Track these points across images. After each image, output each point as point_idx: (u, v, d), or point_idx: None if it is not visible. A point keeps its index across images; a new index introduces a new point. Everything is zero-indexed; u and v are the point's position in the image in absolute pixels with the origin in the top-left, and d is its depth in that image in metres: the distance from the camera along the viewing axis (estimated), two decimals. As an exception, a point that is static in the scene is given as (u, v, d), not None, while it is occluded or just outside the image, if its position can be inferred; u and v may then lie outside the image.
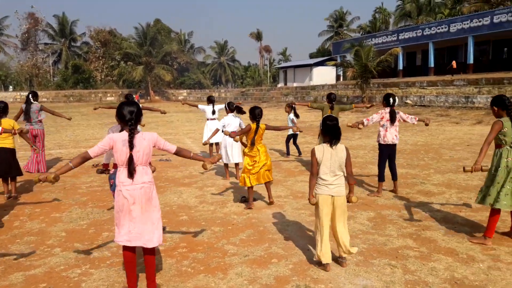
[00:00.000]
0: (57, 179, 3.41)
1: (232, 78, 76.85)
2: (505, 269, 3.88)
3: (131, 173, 3.38)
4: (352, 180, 4.19)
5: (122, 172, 3.43)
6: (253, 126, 5.89)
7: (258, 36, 70.99)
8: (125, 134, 3.42)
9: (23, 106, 8.59)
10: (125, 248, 3.48)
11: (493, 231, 4.50)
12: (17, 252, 4.55)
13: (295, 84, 46.31)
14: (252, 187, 5.99)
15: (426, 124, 6.67)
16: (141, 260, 3.82)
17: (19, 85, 57.84)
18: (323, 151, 3.92)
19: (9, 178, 6.81)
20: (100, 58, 59.82)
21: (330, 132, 3.92)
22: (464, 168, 4.56)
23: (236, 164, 8.05)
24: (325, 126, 3.96)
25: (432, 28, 31.04)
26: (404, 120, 6.56)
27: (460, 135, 13.44)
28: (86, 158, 3.43)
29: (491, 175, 4.56)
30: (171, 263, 4.18)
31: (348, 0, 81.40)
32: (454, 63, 27.64)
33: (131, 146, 3.37)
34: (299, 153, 10.59)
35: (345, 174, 4.01)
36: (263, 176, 5.98)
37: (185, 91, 60.92)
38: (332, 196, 3.92)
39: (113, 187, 5.34)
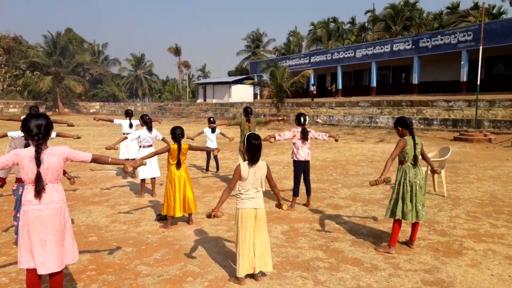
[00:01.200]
0: None
1: (149, 92, 74.75)
2: (404, 275, 4.26)
3: (39, 192, 3.13)
4: (277, 190, 4.32)
5: (29, 191, 3.16)
6: (174, 146, 5.77)
7: (177, 51, 70.33)
8: (32, 150, 3.16)
9: None
10: (29, 271, 3.19)
11: (396, 240, 4.94)
12: None
13: (214, 101, 46.56)
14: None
15: (336, 140, 7.16)
16: (45, 285, 3.52)
17: None
18: (248, 169, 4.00)
19: None
20: (2, 66, 54.41)
21: (254, 150, 4.01)
22: (370, 182, 4.79)
23: (154, 179, 7.84)
24: (250, 144, 4.02)
25: (340, 53, 33.52)
26: (316, 138, 6.96)
27: (364, 152, 14.57)
28: None
29: (395, 189, 5.00)
30: (78, 287, 3.91)
31: (264, 22, 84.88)
32: (334, 87, 30.51)
33: (38, 163, 3.12)
34: (217, 168, 10.62)
35: (263, 189, 4.14)
36: (189, 205, 5.83)
37: (97, 103, 57.88)
38: (255, 209, 4.01)
39: (16, 205, 4.87)
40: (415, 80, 27.76)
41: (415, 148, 4.88)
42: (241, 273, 3.96)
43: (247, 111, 8.35)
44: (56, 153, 3.25)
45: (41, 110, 49.25)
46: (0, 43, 54.72)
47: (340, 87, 33.59)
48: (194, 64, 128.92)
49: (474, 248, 4.98)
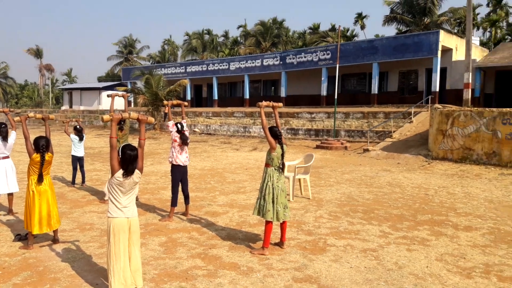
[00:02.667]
0: None
1: (4, 97, 65.62)
2: (277, 275, 4.56)
3: None
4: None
5: None
6: (36, 157, 5.24)
7: (37, 53, 63.41)
8: None
9: None
10: None
11: (268, 241, 5.26)
12: None
13: (82, 107, 43.18)
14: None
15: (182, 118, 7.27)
16: None
17: None
18: (123, 181, 3.82)
19: None
20: None
21: (129, 161, 3.82)
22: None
23: (11, 195, 6.95)
24: (124, 155, 3.82)
25: (216, 65, 34.31)
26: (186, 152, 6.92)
27: (240, 160, 15.16)
28: None
29: (261, 189, 5.34)
30: None
31: (137, 28, 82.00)
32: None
33: None
34: (83, 181, 9.87)
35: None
36: (54, 220, 5.34)
37: None
38: (128, 218, 3.85)
39: None
40: (283, 93, 29.90)
41: (282, 156, 5.31)
42: None
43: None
44: None
45: None
46: None
47: (215, 97, 34.30)
48: (59, 68, 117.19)
49: (335, 245, 5.60)
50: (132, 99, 39.79)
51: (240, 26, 53.52)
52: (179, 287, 4.18)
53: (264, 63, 30.79)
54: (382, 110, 21.11)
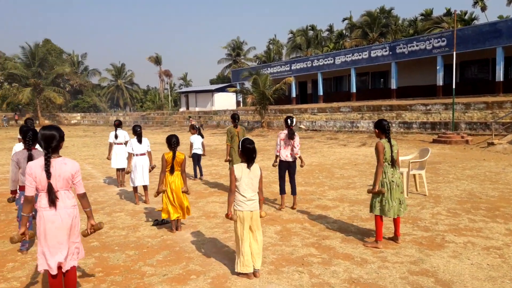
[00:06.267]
0: (21, 238, 3.52)
1: (131, 102, 74.31)
2: (392, 267, 4.59)
3: (52, 200, 3.35)
4: (262, 196, 4.57)
5: (42, 198, 3.37)
6: (169, 155, 5.99)
7: (157, 60, 70.25)
8: (42, 160, 3.38)
9: None
10: (51, 274, 3.40)
11: (381, 235, 5.29)
12: None
13: (197, 109, 46.70)
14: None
15: (301, 166, 7.46)
16: None
17: None
18: (242, 170, 4.30)
19: None
20: (-21, 78, 53.42)
21: (248, 154, 4.31)
22: (367, 190, 5.35)
23: (146, 187, 8.03)
24: (244, 148, 4.33)
25: (320, 60, 34.22)
26: (294, 146, 7.22)
27: (348, 155, 15.03)
28: (31, 200, 3.41)
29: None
30: (87, 287, 4.11)
31: (244, 30, 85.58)
32: (191, 120, 32.23)
33: (48, 174, 3.33)
34: (201, 174, 10.86)
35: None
36: (185, 210, 6.06)
37: (78, 114, 57.32)
38: (251, 211, 4.31)
39: (19, 213, 5.04)
40: (393, 85, 28.57)
41: (391, 150, 5.27)
42: (242, 269, 4.24)
43: (234, 117, 8.69)
44: (68, 163, 3.46)
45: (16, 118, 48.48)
46: (-24, 55, 53.78)
47: (321, 93, 34.22)
48: (176, 73, 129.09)
49: (454, 241, 5.37)
50: (241, 99, 41.85)
51: (345, 19, 52.42)
52: (296, 271, 4.48)
53: (372, 55, 29.79)
54: (509, 99, 18.93)
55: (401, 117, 22.14)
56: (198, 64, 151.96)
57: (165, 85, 73.96)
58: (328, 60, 33.38)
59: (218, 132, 29.69)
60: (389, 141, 5.29)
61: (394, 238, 5.49)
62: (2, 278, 4.35)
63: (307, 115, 28.20)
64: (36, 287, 4.17)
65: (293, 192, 7.36)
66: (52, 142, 3.38)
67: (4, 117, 48.48)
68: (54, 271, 3.38)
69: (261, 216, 4.50)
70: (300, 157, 7.29)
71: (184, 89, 59.46)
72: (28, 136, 4.84)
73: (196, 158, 10.90)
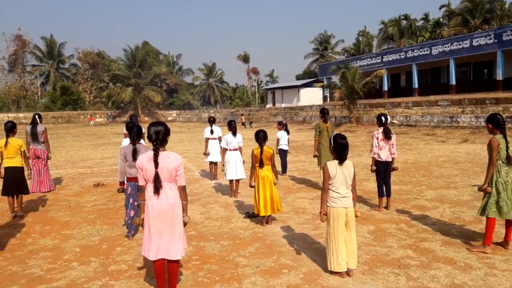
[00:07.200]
0: (141, 222, 3.82)
1: (220, 99, 77.54)
2: (501, 275, 4.17)
3: (157, 188, 3.62)
4: (355, 195, 4.44)
5: (149, 188, 3.67)
6: (257, 150, 6.11)
7: (245, 59, 72.12)
8: (150, 153, 3.67)
9: (28, 128, 8.73)
10: (156, 260, 3.69)
11: (491, 239, 4.83)
12: (36, 266, 4.69)
13: (283, 105, 47.02)
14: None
15: (395, 169, 7.02)
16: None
17: (6, 106, 57.43)
18: (336, 167, 4.22)
19: (15, 197, 6.92)
20: (89, 79, 60.03)
21: (341, 149, 4.22)
22: (478, 188, 5.10)
23: (237, 181, 8.29)
24: (337, 144, 4.24)
25: (415, 51, 32.12)
26: (391, 146, 6.85)
27: (447, 153, 13.94)
28: (143, 189, 3.75)
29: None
30: (187, 275, 4.38)
31: (332, 23, 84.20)
32: (243, 118, 30.51)
33: (156, 164, 3.61)
34: (285, 170, 10.90)
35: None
36: (276, 205, 6.14)
37: (174, 111, 61.20)
38: (345, 208, 4.21)
39: (126, 203, 5.55)
40: (499, 76, 25.79)
41: (507, 147, 4.76)
42: (335, 268, 4.17)
43: (324, 112, 8.55)
44: (171, 157, 3.72)
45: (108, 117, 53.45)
46: (86, 58, 60.40)
47: (416, 86, 32.18)
48: (263, 70, 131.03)
49: None
50: (328, 94, 41.15)
51: (442, 6, 48.52)
52: (392, 273, 4.28)
53: (474, 43, 27.21)
54: None
55: (508, 111, 19.88)
56: (285, 60, 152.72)
57: (253, 82, 75.74)
58: (424, 51, 31.21)
59: (304, 128, 29.57)
60: (505, 137, 4.79)
61: (504, 244, 4.98)
62: (113, 261, 4.83)
63: (401, 109, 26.71)
64: (142, 270, 4.55)
65: (388, 193, 6.99)
66: (159, 136, 3.66)
67: (108, 114, 53.87)
68: (152, 257, 3.65)
69: (356, 216, 4.37)
70: (393, 158, 6.94)
71: (271, 86, 60.24)
72: (133, 132, 5.30)
73: (283, 154, 10.98)
